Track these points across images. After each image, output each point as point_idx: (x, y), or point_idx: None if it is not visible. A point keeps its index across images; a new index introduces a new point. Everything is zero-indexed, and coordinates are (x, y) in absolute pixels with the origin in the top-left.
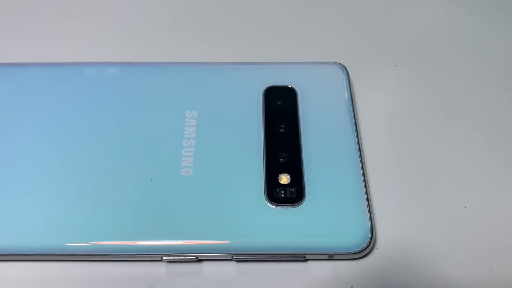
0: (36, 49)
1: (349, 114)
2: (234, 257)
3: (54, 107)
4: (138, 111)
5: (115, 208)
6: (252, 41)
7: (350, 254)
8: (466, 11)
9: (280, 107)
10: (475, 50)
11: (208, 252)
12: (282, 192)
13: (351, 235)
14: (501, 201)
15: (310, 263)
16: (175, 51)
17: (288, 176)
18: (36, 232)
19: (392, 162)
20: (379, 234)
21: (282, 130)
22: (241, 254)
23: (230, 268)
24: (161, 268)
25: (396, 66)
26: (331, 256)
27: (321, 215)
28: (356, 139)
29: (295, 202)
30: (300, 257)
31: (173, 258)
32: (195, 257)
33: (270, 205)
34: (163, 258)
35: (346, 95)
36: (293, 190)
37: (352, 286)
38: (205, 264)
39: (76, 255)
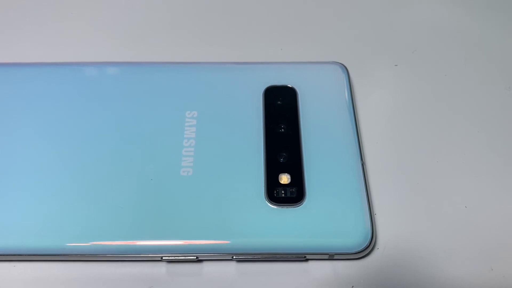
0: (35, 49)
1: (350, 114)
2: (234, 257)
3: (54, 107)
4: (138, 111)
5: (115, 208)
6: (252, 41)
7: (350, 254)
8: (466, 11)
9: (280, 107)
10: (475, 49)
11: (209, 252)
12: (282, 192)
13: (351, 235)
14: (501, 200)
15: (310, 263)
16: (175, 51)
17: (288, 176)
18: (36, 232)
19: (392, 161)
20: (380, 234)
21: (282, 130)
22: (242, 254)
23: (231, 268)
24: (161, 268)
25: (396, 65)
26: (331, 256)
27: (322, 215)
28: (356, 139)
29: (296, 202)
30: (301, 257)
31: (173, 258)
32: (195, 257)
33: (270, 205)
34: (163, 258)
35: (347, 94)
36: (293, 190)
37: (353, 286)
38: (205, 264)
39: (76, 255)
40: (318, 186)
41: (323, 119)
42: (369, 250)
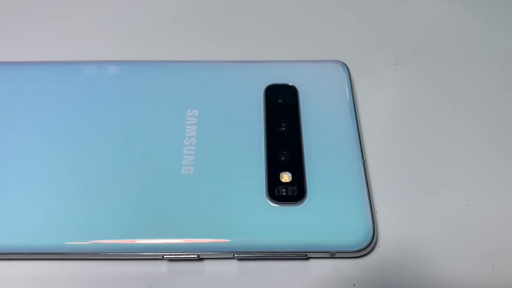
0: (36, 47)
1: (350, 112)
2: (235, 255)
3: (55, 106)
4: (139, 109)
5: (116, 206)
6: (253, 40)
7: (352, 252)
8: (467, 9)
9: (281, 105)
10: (476, 48)
11: (210, 251)
12: (284, 190)
13: (353, 234)
14: (502, 199)
15: (311, 261)
16: (176, 50)
17: (290, 174)
18: (37, 230)
19: (393, 160)
20: (381, 233)
21: (283, 128)
22: (243, 252)
23: (232, 266)
24: (162, 266)
25: (397, 64)
26: (332, 254)
27: (323, 213)
28: (357, 137)
29: (297, 200)
30: (302, 255)
31: (174, 256)
32: (196, 256)
33: (271, 204)
34: (165, 256)
35: (347, 93)
36: (294, 188)
37: (354, 285)
38: (206, 262)
39: (77, 253)
40: (319, 185)
41: (324, 117)
42: (370, 248)
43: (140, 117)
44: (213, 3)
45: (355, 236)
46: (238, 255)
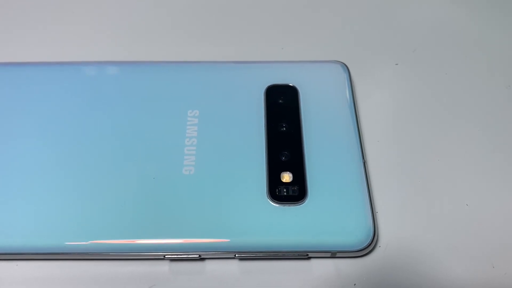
0: (36, 48)
1: (351, 113)
2: (237, 255)
3: (55, 106)
4: (140, 110)
5: (118, 206)
6: (253, 40)
7: (352, 252)
8: (466, 10)
9: (282, 106)
10: (475, 48)
11: (211, 250)
12: (284, 190)
13: (353, 233)
14: (502, 198)
15: (312, 261)
16: (176, 50)
17: (290, 175)
18: (38, 231)
19: (393, 160)
20: (381, 232)
21: (284, 129)
22: (244, 252)
23: (233, 266)
24: (164, 266)
25: (397, 64)
26: (333, 254)
27: (324, 213)
28: (358, 138)
29: (298, 200)
30: (303, 255)
31: (175, 256)
32: (198, 256)
33: (272, 203)
34: (166, 256)
35: (348, 93)
36: (295, 188)
37: (355, 284)
38: (207, 262)
39: (78, 254)
40: (320, 185)
41: (324, 117)
42: (371, 248)
43: (141, 118)
44: (213, 3)
45: (356, 236)
46: (239, 255)
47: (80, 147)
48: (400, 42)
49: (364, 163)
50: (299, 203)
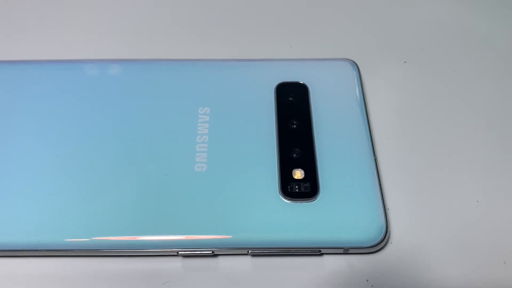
0: (53, 47)
1: (361, 110)
2: (249, 251)
3: (63, 104)
4: (151, 107)
5: (132, 203)
6: (262, 38)
7: (365, 248)
8: (474, 8)
9: (292, 103)
10: (483, 46)
11: (224, 247)
12: (296, 187)
13: (366, 230)
14: None
15: (325, 257)
16: (186, 49)
17: (302, 171)
18: (51, 227)
19: (403, 157)
20: (392, 229)
21: (295, 126)
22: (257, 248)
23: (246, 262)
24: (177, 263)
25: (405, 62)
26: (346, 250)
27: (336, 209)
28: (368, 135)
29: (310, 197)
30: (316, 251)
31: (189, 253)
32: (211, 252)
33: (285, 200)
34: (179, 253)
35: (357, 91)
36: (307, 185)
37: (367, 280)
38: (220, 258)
39: (92, 250)
40: (332, 181)
41: (334, 115)
42: (383, 244)
43: (153, 115)
44: (222, 2)
45: (369, 232)
46: (252, 251)
47: (96, 145)
48: (407, 40)
49: (375, 160)
50: (311, 200)
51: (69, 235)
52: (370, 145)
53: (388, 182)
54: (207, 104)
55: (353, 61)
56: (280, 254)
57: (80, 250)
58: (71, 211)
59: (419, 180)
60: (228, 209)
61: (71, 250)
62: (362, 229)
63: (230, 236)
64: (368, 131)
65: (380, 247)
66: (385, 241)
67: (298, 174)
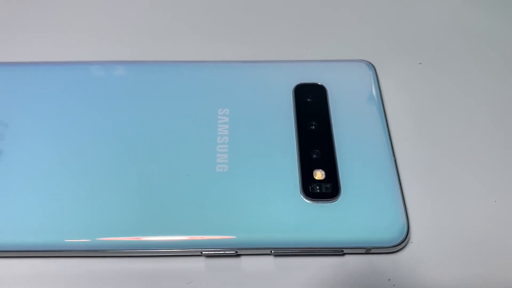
0: (62, 47)
1: (379, 111)
2: (273, 251)
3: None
4: (171, 109)
5: (156, 203)
6: (277, 39)
7: (387, 248)
8: (489, 9)
9: (311, 104)
10: (498, 47)
11: (248, 247)
12: (318, 187)
13: (388, 230)
14: None
15: (347, 257)
16: (204, 51)
17: (323, 172)
18: (77, 227)
19: (421, 158)
20: (412, 229)
21: (314, 127)
22: (280, 248)
23: (269, 262)
24: (200, 263)
25: (420, 63)
26: (368, 250)
27: (357, 209)
28: (387, 136)
29: (331, 197)
30: (338, 251)
31: (212, 253)
32: (234, 252)
33: (306, 200)
34: (203, 253)
35: (375, 92)
36: (328, 185)
37: (389, 279)
38: (243, 258)
39: (117, 251)
40: (352, 182)
41: (353, 116)
42: (405, 244)
43: (173, 117)
44: (238, 4)
45: (390, 232)
46: (275, 251)
47: (118, 145)
48: (422, 41)
49: (395, 160)
50: (333, 200)
51: (90, 234)
52: (390, 146)
53: (407, 183)
54: (226, 105)
55: (369, 62)
56: (303, 254)
57: (101, 251)
58: (92, 211)
59: (437, 180)
60: (251, 210)
61: (91, 251)
62: (384, 229)
63: (254, 236)
64: (387, 131)
65: (401, 247)
66: (406, 240)
67: (319, 174)
